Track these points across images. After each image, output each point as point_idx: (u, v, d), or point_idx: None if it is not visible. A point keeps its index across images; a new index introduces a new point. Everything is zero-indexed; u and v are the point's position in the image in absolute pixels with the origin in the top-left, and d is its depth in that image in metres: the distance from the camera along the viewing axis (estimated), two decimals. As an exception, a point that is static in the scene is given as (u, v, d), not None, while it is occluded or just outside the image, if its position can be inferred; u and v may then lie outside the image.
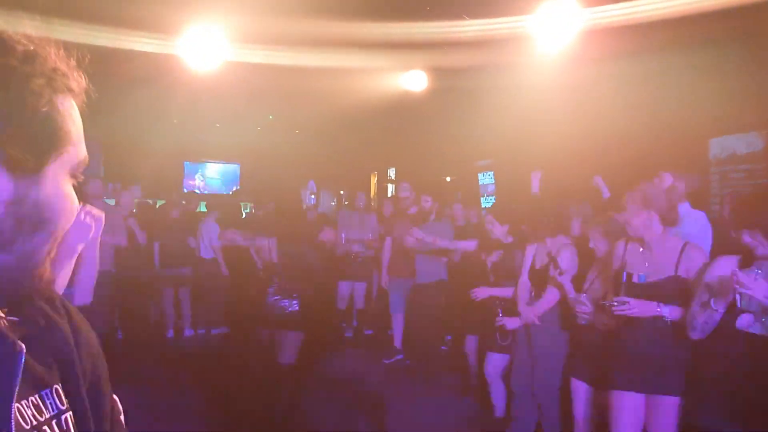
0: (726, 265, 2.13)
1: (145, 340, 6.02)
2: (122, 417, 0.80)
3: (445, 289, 5.10)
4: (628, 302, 2.32)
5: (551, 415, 3.07)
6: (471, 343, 4.37)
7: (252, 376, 5.11)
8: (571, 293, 2.81)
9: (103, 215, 1.72)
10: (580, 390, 2.78)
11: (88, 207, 1.67)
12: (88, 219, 1.66)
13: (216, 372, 5.08)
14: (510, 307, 3.39)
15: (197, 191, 12.19)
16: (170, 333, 6.48)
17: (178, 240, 6.47)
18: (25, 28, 0.64)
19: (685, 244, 2.40)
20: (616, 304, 2.33)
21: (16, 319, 0.64)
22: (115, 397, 0.81)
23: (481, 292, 3.61)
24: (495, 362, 3.64)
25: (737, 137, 6.16)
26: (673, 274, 2.37)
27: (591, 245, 2.84)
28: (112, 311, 5.73)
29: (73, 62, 0.66)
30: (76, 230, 1.59)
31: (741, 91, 5.03)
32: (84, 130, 0.69)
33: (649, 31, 4.10)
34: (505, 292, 3.48)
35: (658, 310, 2.31)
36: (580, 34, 4.55)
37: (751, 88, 4.74)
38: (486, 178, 10.40)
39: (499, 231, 3.71)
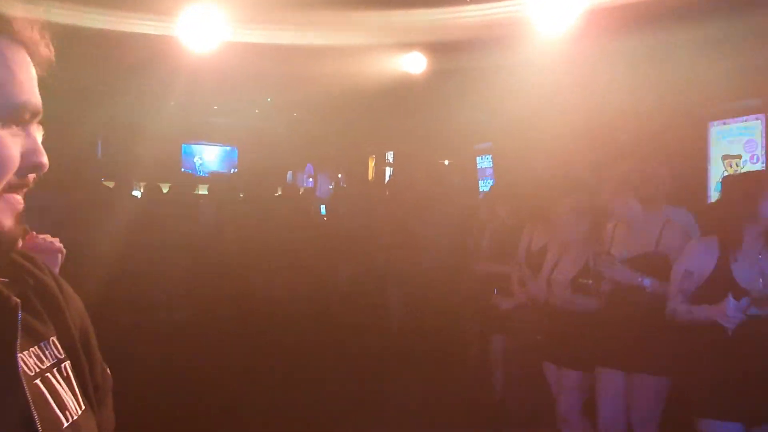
0: (702, 250, 2.15)
1: (145, 325, 6.05)
2: (108, 371, 0.85)
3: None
4: (616, 265, 2.36)
5: (545, 399, 3.09)
6: (472, 324, 4.40)
7: (257, 357, 5.14)
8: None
9: (61, 253, 1.66)
10: (552, 372, 2.79)
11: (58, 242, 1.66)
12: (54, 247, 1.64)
13: (215, 356, 5.12)
14: (507, 287, 3.42)
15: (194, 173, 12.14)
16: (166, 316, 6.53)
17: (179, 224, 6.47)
18: (18, 11, 0.63)
19: (666, 221, 2.45)
20: (605, 261, 2.37)
21: (5, 279, 0.67)
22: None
23: (482, 267, 3.65)
24: (497, 344, 3.66)
25: (739, 120, 6.14)
26: (653, 249, 2.39)
27: (559, 225, 2.86)
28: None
29: (28, 14, 0.65)
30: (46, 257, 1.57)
31: (747, 69, 4.97)
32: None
33: (652, 8, 4.05)
34: (504, 269, 3.50)
35: (640, 280, 2.33)
36: (580, 15, 4.51)
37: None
38: (484, 162, 10.40)
39: (503, 211, 3.77)
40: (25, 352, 0.65)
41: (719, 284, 2.09)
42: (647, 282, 2.32)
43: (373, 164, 12.73)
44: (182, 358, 4.81)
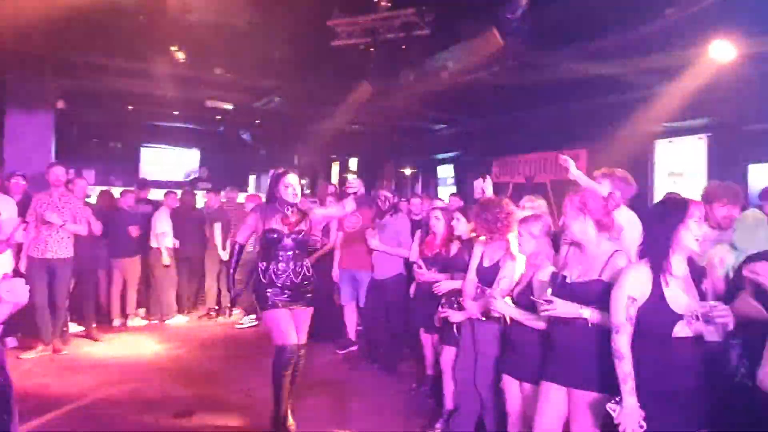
0: (639, 276, 2.26)
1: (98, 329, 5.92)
2: None
3: (404, 284, 5.14)
4: (553, 302, 2.43)
5: (491, 408, 3.18)
6: (426, 335, 4.45)
7: (203, 361, 5.10)
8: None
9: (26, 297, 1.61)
10: (511, 386, 2.89)
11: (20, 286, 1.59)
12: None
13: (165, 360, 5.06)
14: (458, 300, 3.51)
15: (152, 178, 11.85)
16: (117, 322, 6.42)
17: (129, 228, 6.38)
18: None
19: (614, 252, 2.53)
20: (543, 303, 2.45)
21: None
22: None
23: (443, 286, 3.71)
24: (449, 355, 3.73)
25: (683, 140, 6.42)
26: (597, 277, 2.48)
27: (517, 244, 2.97)
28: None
29: None
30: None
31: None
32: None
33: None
34: (456, 283, 3.59)
35: (580, 312, 2.42)
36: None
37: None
38: (445, 171, 10.52)
39: (462, 227, 3.83)
40: None
41: (655, 310, 2.19)
42: (586, 313, 2.40)
43: (336, 171, 12.72)
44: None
